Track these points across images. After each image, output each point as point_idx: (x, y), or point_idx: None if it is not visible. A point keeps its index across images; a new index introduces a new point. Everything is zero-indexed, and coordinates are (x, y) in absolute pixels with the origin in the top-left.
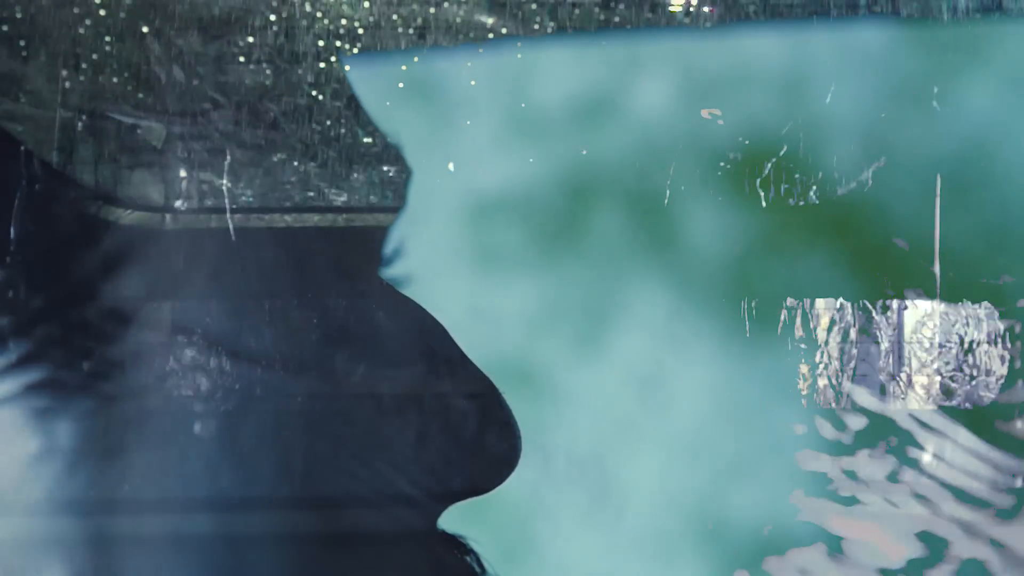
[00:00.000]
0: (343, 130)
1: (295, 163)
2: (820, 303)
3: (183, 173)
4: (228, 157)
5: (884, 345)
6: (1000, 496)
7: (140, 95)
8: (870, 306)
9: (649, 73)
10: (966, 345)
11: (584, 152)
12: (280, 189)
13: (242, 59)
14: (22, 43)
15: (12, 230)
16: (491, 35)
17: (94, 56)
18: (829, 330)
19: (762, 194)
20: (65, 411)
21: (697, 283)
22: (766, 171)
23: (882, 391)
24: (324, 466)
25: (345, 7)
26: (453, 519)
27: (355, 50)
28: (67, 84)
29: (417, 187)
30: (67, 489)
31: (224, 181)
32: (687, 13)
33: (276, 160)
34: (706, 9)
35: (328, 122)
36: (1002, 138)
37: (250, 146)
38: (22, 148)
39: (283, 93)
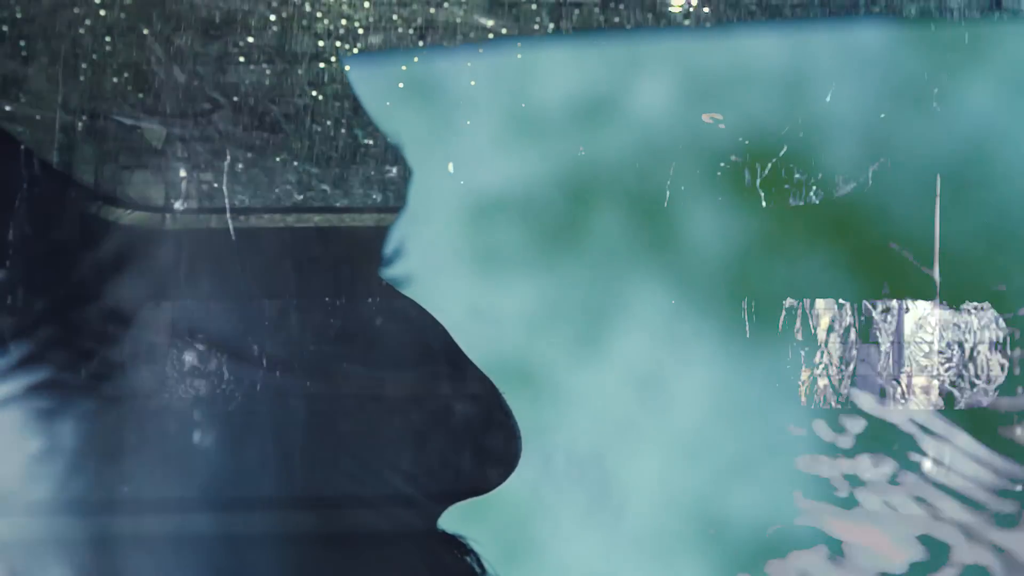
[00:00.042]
0: (343, 130)
1: (295, 163)
2: (820, 303)
3: (183, 173)
4: (228, 157)
5: (884, 346)
6: (1002, 502)
7: (140, 95)
8: (870, 306)
9: (649, 73)
10: (966, 351)
11: (582, 152)
12: (280, 189)
13: (242, 59)
14: (22, 43)
15: (12, 231)
16: (491, 35)
17: (94, 56)
18: (829, 330)
19: (762, 194)
20: (66, 412)
21: (697, 283)
22: (766, 171)
23: (882, 393)
24: (324, 466)
25: (345, 7)
26: (453, 519)
27: (355, 50)
28: (67, 85)
29: (417, 187)
30: (68, 489)
31: (224, 181)
32: (687, 14)
33: (276, 160)
34: (706, 10)
35: (328, 122)
36: (1002, 138)
37: (250, 146)
38: (22, 148)
39: (283, 93)
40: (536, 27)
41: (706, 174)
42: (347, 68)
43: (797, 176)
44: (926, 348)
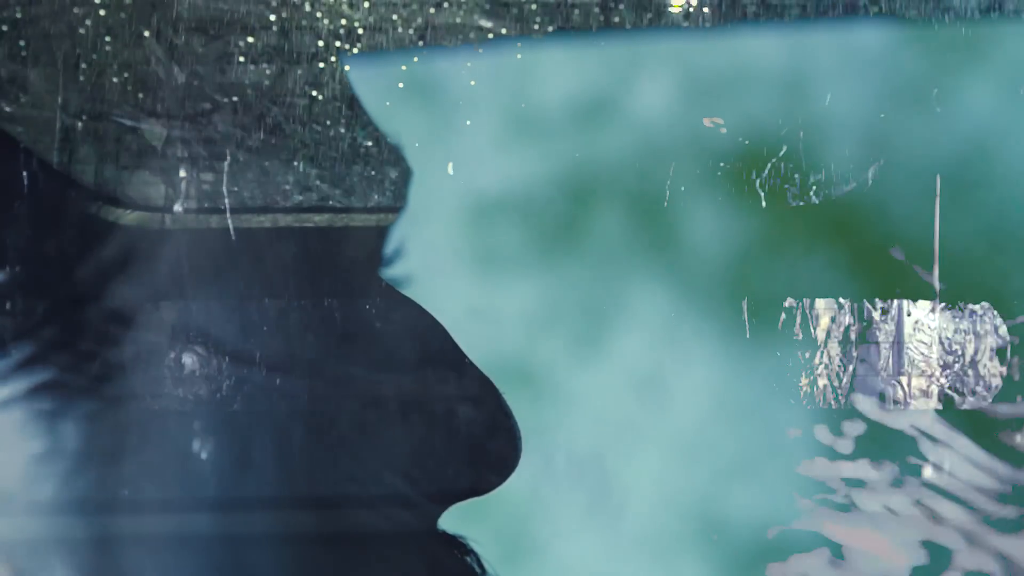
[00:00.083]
0: (343, 130)
1: (295, 163)
2: (820, 303)
3: (183, 173)
4: (228, 157)
5: (884, 347)
6: (1003, 508)
7: (140, 95)
8: (870, 307)
9: (649, 73)
10: (967, 357)
11: (579, 154)
12: (280, 189)
13: (242, 59)
14: (22, 44)
15: (12, 231)
16: (491, 35)
17: (94, 56)
18: (829, 331)
19: (762, 194)
20: (67, 413)
21: (697, 284)
22: (766, 171)
23: (881, 395)
24: (324, 467)
25: (345, 7)
26: (453, 519)
27: (355, 50)
28: (66, 85)
29: (417, 187)
30: (70, 490)
31: (224, 181)
32: (687, 14)
33: (276, 160)
34: (706, 10)
35: (328, 122)
36: (1002, 139)
37: (250, 146)
38: (22, 149)
39: (283, 93)
40: (536, 27)
41: (706, 174)
42: (347, 68)
43: (797, 176)
44: (925, 351)
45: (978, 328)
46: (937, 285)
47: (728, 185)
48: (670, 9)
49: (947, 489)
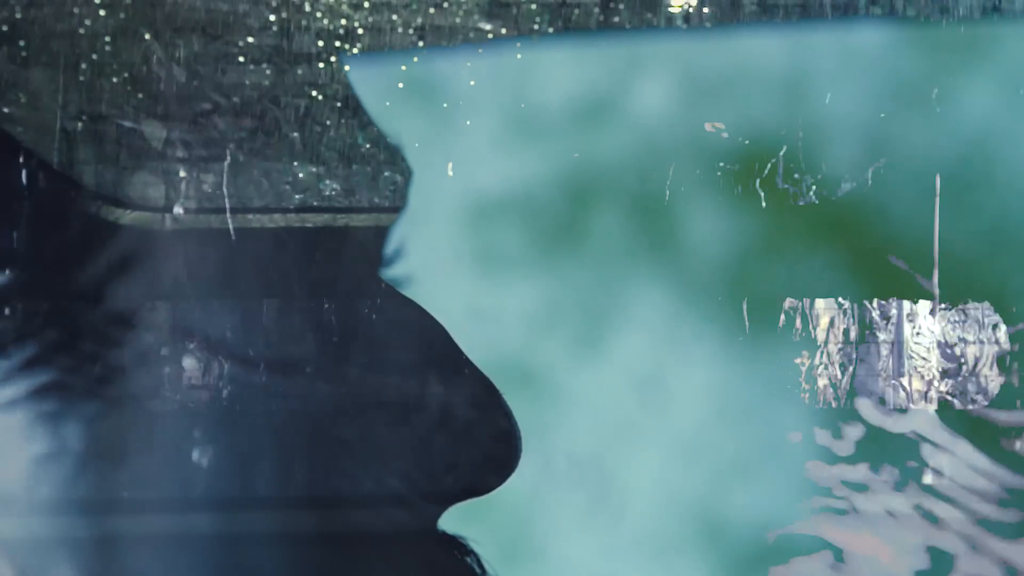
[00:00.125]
0: (343, 130)
1: (295, 163)
2: (820, 303)
3: (183, 174)
4: (228, 158)
5: (884, 348)
6: (1004, 513)
7: (139, 96)
8: (869, 307)
9: (649, 74)
10: (968, 363)
11: (579, 154)
12: (280, 189)
13: (242, 59)
14: (21, 44)
15: (12, 232)
16: (491, 36)
17: (93, 57)
18: (828, 331)
19: (762, 194)
20: (68, 414)
21: (697, 284)
22: (766, 171)
23: (882, 397)
24: (323, 467)
25: (345, 7)
26: (453, 520)
27: (355, 50)
28: (66, 85)
29: (417, 187)
30: (72, 490)
31: (224, 181)
32: (687, 14)
33: (275, 160)
34: (706, 10)
35: (328, 122)
36: (1003, 139)
37: (250, 146)
38: (22, 150)
39: (283, 93)
40: (536, 27)
41: (706, 175)
42: (347, 68)
43: (797, 176)
44: (924, 353)
45: (980, 335)
46: (937, 292)
47: (728, 185)
48: (670, 9)
49: (947, 493)
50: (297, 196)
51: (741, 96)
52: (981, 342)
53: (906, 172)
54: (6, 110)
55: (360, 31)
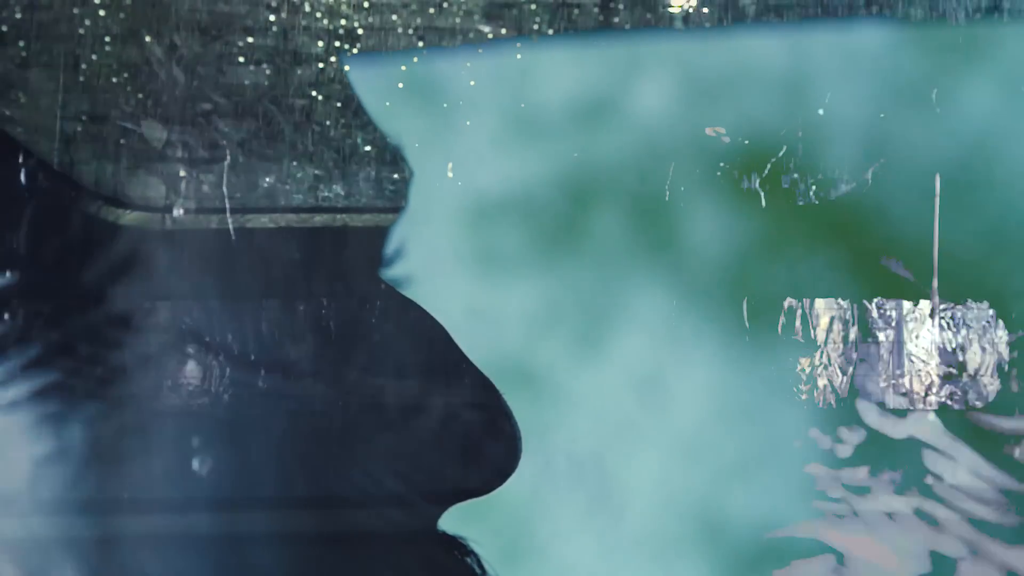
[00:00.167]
0: (343, 131)
1: (294, 163)
2: (820, 303)
3: (183, 173)
4: (228, 158)
5: (883, 349)
6: (1006, 518)
7: (139, 96)
8: (869, 307)
9: (649, 74)
10: (968, 368)
11: (579, 154)
12: (280, 189)
13: (242, 59)
14: (21, 44)
15: (12, 233)
16: (490, 36)
17: (93, 57)
18: (828, 331)
19: (762, 194)
20: (69, 414)
21: (697, 284)
22: (766, 171)
23: (882, 400)
24: (324, 468)
25: (345, 8)
26: (453, 520)
27: (355, 50)
28: (66, 85)
29: (417, 188)
30: (74, 490)
31: (224, 181)
32: (686, 15)
33: (276, 160)
34: (705, 10)
35: (327, 122)
36: (1002, 140)
37: (250, 147)
38: (22, 151)
39: (283, 94)
40: (535, 27)
41: (706, 175)
42: (347, 68)
43: (797, 176)
44: (924, 356)
45: (981, 343)
46: (937, 301)
47: (728, 185)
48: (670, 10)
49: (947, 495)
50: (297, 196)
51: (741, 96)
52: (982, 348)
53: (906, 172)
54: (6, 112)
55: (360, 31)
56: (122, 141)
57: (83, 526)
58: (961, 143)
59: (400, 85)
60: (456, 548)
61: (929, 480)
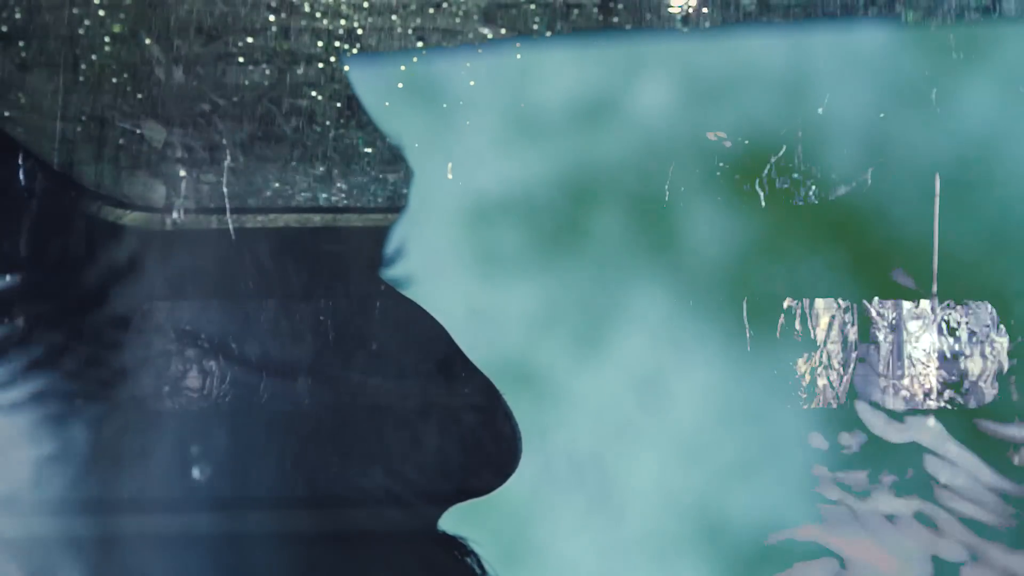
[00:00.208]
0: (342, 131)
1: (294, 163)
2: (819, 303)
3: (183, 174)
4: (228, 158)
5: (883, 350)
6: (1007, 521)
7: (139, 96)
8: (869, 307)
9: (649, 74)
10: (969, 375)
11: (579, 154)
12: (280, 189)
13: (241, 60)
14: (21, 44)
15: (12, 234)
16: (490, 36)
17: (93, 57)
18: (828, 331)
19: (762, 194)
20: (70, 415)
21: (697, 284)
22: (766, 171)
23: (881, 401)
24: (323, 468)
25: (345, 8)
26: (453, 520)
27: (355, 50)
28: (66, 86)
29: (417, 188)
30: (76, 491)
31: (224, 182)
32: (686, 15)
33: (276, 160)
34: (705, 10)
35: (328, 123)
36: (1002, 140)
37: (250, 147)
38: (22, 151)
39: (283, 94)
40: (535, 27)
41: (706, 175)
42: (347, 68)
43: (797, 176)
44: (924, 357)
45: (983, 350)
46: (938, 308)
47: (728, 185)
48: (669, 10)
49: (947, 497)
50: (297, 196)
51: (741, 96)
52: (983, 354)
53: (906, 172)
54: (6, 113)
55: (360, 31)
56: (122, 142)
57: (84, 526)
58: (961, 143)
59: (400, 85)
60: (456, 548)
61: (928, 480)
